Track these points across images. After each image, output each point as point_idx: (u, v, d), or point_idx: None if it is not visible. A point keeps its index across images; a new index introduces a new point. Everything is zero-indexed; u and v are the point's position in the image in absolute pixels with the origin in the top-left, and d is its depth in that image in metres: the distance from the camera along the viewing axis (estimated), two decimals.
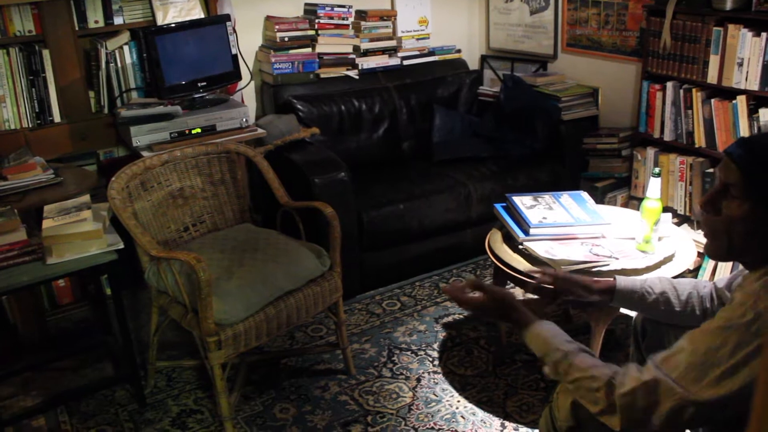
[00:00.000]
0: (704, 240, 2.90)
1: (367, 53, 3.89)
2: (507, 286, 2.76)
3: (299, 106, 3.56)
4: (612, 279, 1.88)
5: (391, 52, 3.96)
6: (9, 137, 3.02)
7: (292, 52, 3.65)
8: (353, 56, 3.85)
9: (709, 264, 3.11)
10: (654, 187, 2.38)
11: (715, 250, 1.46)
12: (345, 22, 3.80)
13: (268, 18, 3.73)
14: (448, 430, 2.42)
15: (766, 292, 1.27)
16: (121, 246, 2.39)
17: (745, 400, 1.22)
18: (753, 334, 1.25)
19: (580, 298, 1.90)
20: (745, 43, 2.90)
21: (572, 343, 1.51)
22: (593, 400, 1.40)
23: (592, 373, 1.41)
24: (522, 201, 2.64)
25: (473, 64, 4.41)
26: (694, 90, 3.13)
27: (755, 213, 1.33)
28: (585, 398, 1.43)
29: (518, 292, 2.68)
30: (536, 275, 1.98)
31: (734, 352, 1.25)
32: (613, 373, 1.39)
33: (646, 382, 1.33)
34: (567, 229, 2.51)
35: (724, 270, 3.08)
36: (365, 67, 3.87)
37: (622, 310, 2.71)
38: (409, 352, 2.86)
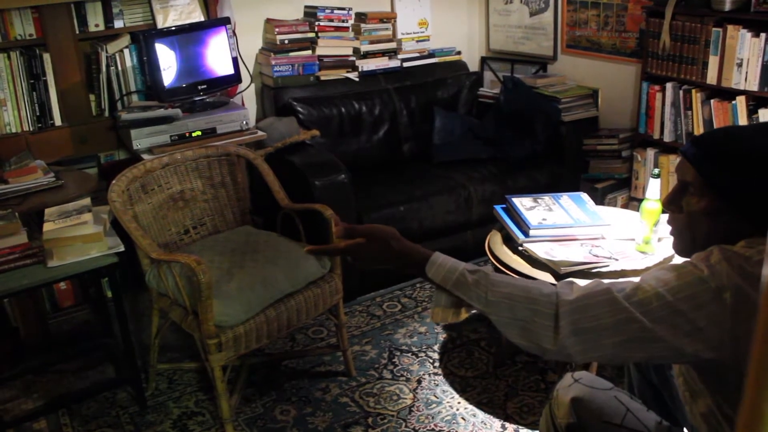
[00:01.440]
0: None
1: (367, 55, 3.89)
2: None
3: (299, 109, 3.57)
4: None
5: (391, 54, 3.97)
6: (10, 141, 3.03)
7: (292, 54, 3.66)
8: (353, 58, 3.85)
9: None
10: (653, 188, 2.38)
11: (680, 246, 1.48)
12: (345, 24, 3.81)
13: (268, 20, 3.74)
14: (449, 431, 2.42)
15: (719, 251, 1.27)
16: (122, 249, 2.40)
17: (704, 351, 1.23)
18: (701, 280, 1.24)
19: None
20: (745, 44, 2.90)
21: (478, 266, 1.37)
22: (531, 314, 1.27)
23: (526, 285, 1.31)
24: (522, 202, 2.64)
25: (473, 66, 4.42)
26: (693, 91, 3.14)
27: (714, 207, 1.36)
28: (518, 315, 1.29)
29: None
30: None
31: (679, 290, 1.24)
32: (555, 287, 1.31)
33: (597, 290, 1.28)
34: (567, 230, 2.51)
35: None
36: (365, 69, 3.88)
37: None
38: (409, 354, 2.87)
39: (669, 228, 1.49)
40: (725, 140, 1.40)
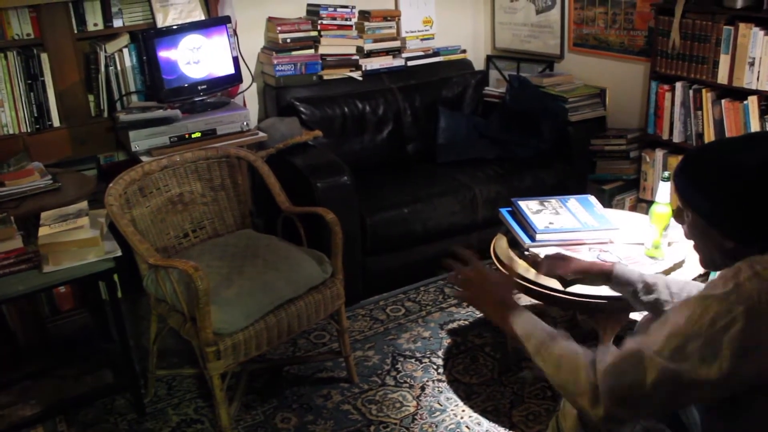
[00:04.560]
0: None
1: (370, 54, 3.84)
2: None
3: (302, 109, 3.52)
4: (610, 264, 1.87)
5: (395, 52, 3.91)
6: (7, 142, 2.99)
7: (294, 53, 3.60)
8: (356, 57, 3.79)
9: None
10: (663, 191, 2.33)
11: (700, 260, 1.48)
12: (348, 22, 3.75)
13: (269, 19, 3.68)
14: None
15: (749, 267, 1.23)
16: (119, 254, 2.36)
17: (738, 379, 1.21)
18: (731, 303, 1.20)
19: (576, 279, 1.93)
20: (757, 42, 2.84)
21: (557, 331, 1.48)
22: (574, 379, 1.32)
23: (575, 350, 1.37)
24: (528, 206, 2.59)
25: (478, 65, 4.35)
26: (703, 90, 3.07)
27: (697, 224, 1.38)
28: (564, 378, 1.35)
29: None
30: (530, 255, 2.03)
31: (713, 322, 1.20)
32: (595, 354, 1.34)
33: (628, 352, 1.28)
34: (574, 234, 2.46)
35: None
36: (369, 68, 3.82)
37: (632, 316, 2.67)
38: (413, 360, 2.81)
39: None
40: (701, 154, 1.41)
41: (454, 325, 3.05)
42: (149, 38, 2.99)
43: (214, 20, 3.26)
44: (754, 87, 2.89)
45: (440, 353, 2.85)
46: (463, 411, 2.51)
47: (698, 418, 1.76)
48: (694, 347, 1.20)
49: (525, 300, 3.14)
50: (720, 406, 1.34)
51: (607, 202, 3.40)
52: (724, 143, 1.47)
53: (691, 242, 1.46)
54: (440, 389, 2.63)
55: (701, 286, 1.77)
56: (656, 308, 1.76)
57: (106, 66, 3.15)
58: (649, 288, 1.77)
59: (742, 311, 1.18)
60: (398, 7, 4.02)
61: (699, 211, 1.36)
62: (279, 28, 3.55)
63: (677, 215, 1.46)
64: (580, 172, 3.60)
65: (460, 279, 1.67)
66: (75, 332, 3.11)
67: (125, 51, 3.18)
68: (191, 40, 3.12)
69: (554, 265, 2.00)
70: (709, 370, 1.19)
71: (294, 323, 2.41)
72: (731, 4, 2.90)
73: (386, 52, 3.88)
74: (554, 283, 2.29)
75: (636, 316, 2.79)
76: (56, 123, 3.10)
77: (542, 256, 2.10)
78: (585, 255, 2.38)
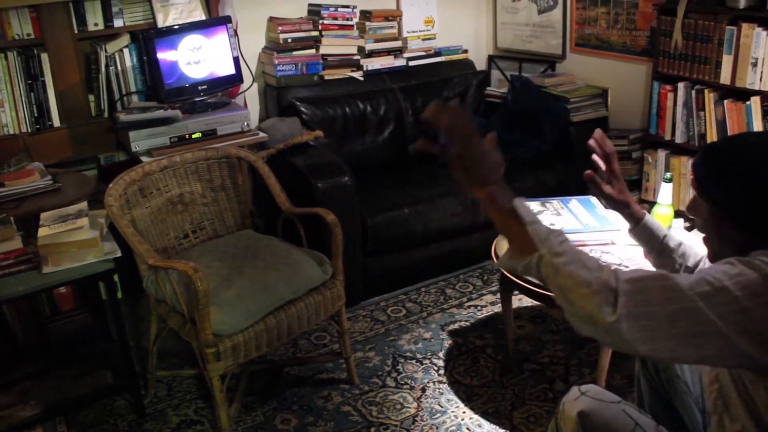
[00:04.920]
0: None
1: (372, 54, 3.83)
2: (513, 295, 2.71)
3: (303, 109, 3.51)
4: (643, 211, 1.84)
5: (396, 52, 3.90)
6: (7, 142, 2.98)
7: (295, 53, 3.59)
8: (358, 57, 3.78)
9: None
10: (665, 192, 2.31)
11: (708, 254, 1.47)
12: (349, 22, 3.74)
13: (270, 19, 3.67)
14: None
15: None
16: (119, 254, 2.35)
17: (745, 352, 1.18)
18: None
19: (610, 200, 1.81)
20: (760, 43, 2.82)
21: None
22: (588, 277, 1.20)
23: (592, 257, 1.28)
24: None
25: (480, 65, 4.34)
26: (706, 91, 3.06)
27: (713, 216, 1.36)
28: (574, 272, 1.22)
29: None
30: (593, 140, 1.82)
31: (747, 286, 1.18)
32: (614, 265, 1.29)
33: (659, 274, 1.23)
34: (576, 235, 2.44)
35: None
36: (370, 68, 3.81)
37: None
38: (414, 361, 2.80)
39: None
40: (722, 147, 1.39)
41: (455, 326, 3.04)
42: (150, 38, 2.99)
43: (214, 20, 3.26)
44: (756, 87, 2.87)
45: (441, 354, 2.84)
46: (464, 413, 2.49)
47: (699, 419, 1.75)
48: (722, 299, 1.18)
49: (526, 301, 3.14)
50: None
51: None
52: (748, 136, 1.46)
53: (702, 235, 1.44)
54: (441, 391, 2.62)
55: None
56: (682, 257, 1.74)
57: (107, 66, 3.14)
58: (674, 236, 1.76)
59: None
60: (400, 7, 4.01)
61: (716, 202, 1.35)
62: (280, 28, 3.54)
63: (692, 206, 1.44)
64: (581, 173, 3.55)
65: (446, 126, 1.38)
66: (75, 333, 3.11)
67: (126, 51, 3.17)
68: (192, 40, 3.11)
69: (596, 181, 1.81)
70: (730, 328, 1.17)
71: (294, 324, 2.40)
72: (734, 4, 2.88)
73: (387, 52, 3.87)
74: None
75: None
76: (56, 123, 3.10)
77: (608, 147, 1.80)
78: None
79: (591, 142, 1.82)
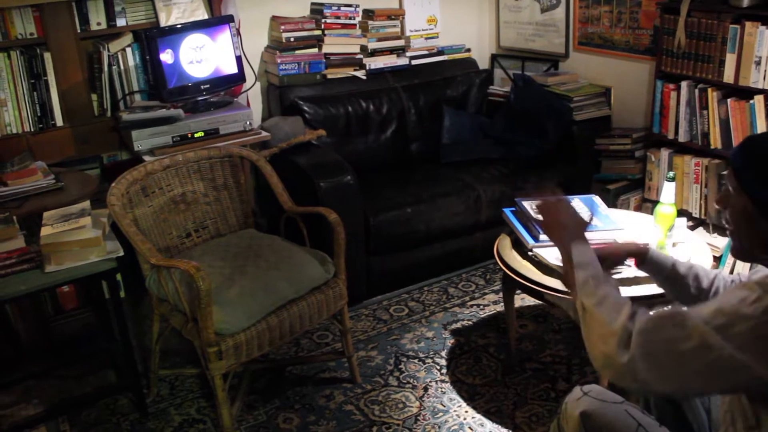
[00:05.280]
0: (719, 244, 2.83)
1: (374, 53, 3.82)
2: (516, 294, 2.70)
3: (305, 108, 3.50)
4: (645, 245, 1.85)
5: (399, 51, 3.90)
6: (10, 141, 2.99)
7: (298, 52, 3.59)
8: (360, 56, 3.78)
9: (725, 269, 3.03)
10: (668, 192, 2.31)
11: (733, 248, 1.45)
12: (352, 21, 3.74)
13: (273, 18, 3.67)
14: None
15: None
16: (121, 254, 2.36)
17: None
18: None
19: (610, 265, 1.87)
20: (763, 41, 2.81)
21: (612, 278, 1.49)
22: (611, 319, 1.29)
23: (623, 298, 1.35)
24: (532, 206, 2.57)
25: (483, 64, 4.34)
26: (709, 89, 3.04)
27: (749, 211, 1.33)
28: (602, 319, 1.32)
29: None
30: None
31: (765, 312, 1.15)
32: (638, 308, 1.31)
33: (674, 311, 1.23)
34: None
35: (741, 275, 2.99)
36: (373, 67, 3.81)
37: None
38: (416, 360, 2.80)
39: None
40: (766, 144, 1.35)
41: (458, 325, 3.04)
42: (152, 38, 2.99)
43: (217, 19, 3.26)
44: (760, 86, 2.86)
45: (443, 354, 2.84)
46: (466, 412, 2.49)
47: (705, 418, 1.74)
48: (742, 329, 1.15)
49: (529, 300, 3.13)
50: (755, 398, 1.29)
51: (611, 201, 3.38)
52: None
53: (730, 228, 1.42)
54: (443, 390, 2.62)
55: (728, 278, 1.74)
56: (695, 280, 1.74)
57: (109, 65, 3.14)
58: (683, 261, 1.77)
59: None
60: (402, 6, 4.00)
61: (756, 200, 1.31)
62: (283, 27, 3.54)
63: (723, 199, 1.41)
64: (584, 172, 3.58)
65: (542, 205, 1.70)
66: (78, 332, 3.11)
67: (128, 50, 3.18)
68: (194, 39, 3.11)
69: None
70: (749, 357, 1.14)
71: (296, 323, 2.40)
72: (737, 2, 2.87)
73: (390, 51, 3.87)
74: (558, 284, 2.28)
75: None
76: (59, 122, 3.10)
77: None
78: None
79: None
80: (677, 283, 1.77)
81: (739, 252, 1.42)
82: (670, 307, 1.30)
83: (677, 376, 1.20)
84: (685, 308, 1.25)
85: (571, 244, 1.54)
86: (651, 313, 1.27)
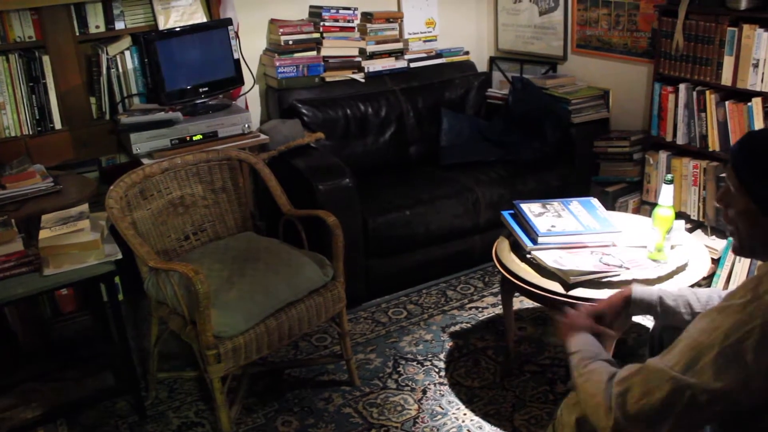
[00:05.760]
0: (718, 246, 2.83)
1: (373, 56, 3.83)
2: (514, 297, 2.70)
3: (304, 111, 3.51)
4: (628, 289, 1.78)
5: (397, 54, 3.90)
6: (9, 144, 2.99)
7: (296, 55, 3.60)
8: (359, 59, 3.79)
9: (724, 271, 3.03)
10: (666, 194, 2.31)
11: (734, 246, 1.46)
12: (350, 24, 3.74)
13: (272, 21, 3.68)
14: None
15: None
16: (120, 257, 2.36)
17: (751, 392, 1.18)
18: (748, 314, 1.19)
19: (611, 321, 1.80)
20: (761, 44, 2.81)
21: (605, 354, 1.51)
22: (596, 390, 1.33)
23: (609, 368, 1.38)
24: (530, 208, 2.57)
25: (481, 66, 4.34)
26: (707, 92, 3.05)
27: (749, 210, 1.33)
28: (588, 389, 1.37)
29: None
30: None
31: (728, 334, 1.19)
32: (617, 370, 1.35)
33: (640, 368, 1.28)
34: (576, 237, 2.44)
35: (739, 276, 2.99)
36: (371, 70, 3.81)
37: (635, 319, 2.65)
38: (414, 363, 2.80)
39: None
40: (766, 143, 1.35)
41: (456, 328, 3.04)
42: (151, 41, 2.98)
43: (215, 22, 3.26)
44: (758, 88, 2.86)
45: (442, 356, 2.84)
46: (465, 414, 2.49)
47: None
48: (708, 359, 1.19)
49: (527, 303, 3.13)
50: (725, 424, 1.32)
51: (610, 204, 3.38)
52: None
53: (730, 228, 1.42)
54: (442, 392, 2.62)
55: (723, 294, 1.74)
56: (687, 306, 1.73)
57: (108, 68, 3.14)
58: (670, 290, 1.75)
59: (759, 324, 1.16)
60: (401, 9, 4.01)
61: (755, 197, 1.31)
62: (281, 30, 3.55)
63: (723, 197, 1.41)
64: (583, 174, 3.58)
65: (562, 318, 1.73)
66: (76, 335, 3.11)
67: (127, 53, 3.18)
68: (193, 42, 3.11)
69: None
70: (722, 383, 1.17)
71: (295, 326, 2.40)
72: (735, 5, 2.88)
73: (389, 53, 3.88)
74: (556, 286, 2.28)
75: (639, 319, 2.78)
76: (58, 125, 3.10)
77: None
78: (587, 258, 2.36)
79: None
80: (669, 315, 1.75)
81: (740, 250, 1.43)
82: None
83: (663, 424, 1.23)
84: (653, 359, 1.29)
85: (572, 333, 1.61)
86: (622, 372, 1.31)
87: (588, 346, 1.53)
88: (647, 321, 2.84)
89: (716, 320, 1.22)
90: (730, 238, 1.48)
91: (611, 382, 1.31)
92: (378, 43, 3.83)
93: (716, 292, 1.74)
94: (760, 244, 1.36)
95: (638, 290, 1.77)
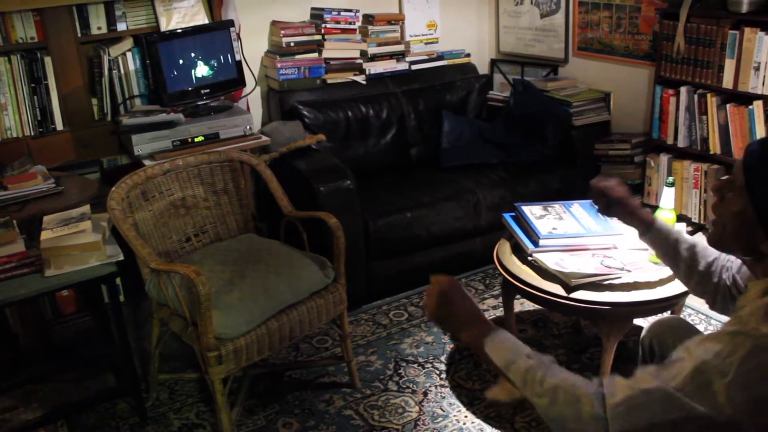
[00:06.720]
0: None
1: (374, 58, 3.83)
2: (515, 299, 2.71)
3: (305, 112, 3.51)
4: (651, 215, 1.87)
5: (399, 56, 3.91)
6: (11, 145, 3.00)
7: (298, 57, 3.60)
8: (360, 61, 3.79)
9: None
10: (667, 197, 2.31)
11: (710, 236, 1.45)
12: (352, 26, 3.74)
13: (273, 23, 3.68)
14: None
15: None
16: (121, 258, 2.36)
17: (758, 425, 1.13)
18: (765, 343, 1.14)
19: (619, 216, 1.95)
20: (762, 47, 2.82)
21: (528, 348, 1.39)
22: (574, 413, 1.21)
23: (574, 381, 1.25)
24: (531, 211, 2.58)
25: (483, 69, 4.35)
26: (708, 95, 3.05)
27: (746, 213, 1.30)
28: (561, 412, 1.23)
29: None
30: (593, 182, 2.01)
31: (744, 361, 1.12)
32: (599, 384, 1.23)
33: (646, 388, 1.18)
34: (578, 239, 2.44)
35: None
36: (373, 72, 3.81)
37: (636, 322, 2.65)
38: (415, 365, 2.80)
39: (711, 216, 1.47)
40: None
41: None
42: (153, 42, 2.99)
43: (217, 24, 3.26)
44: (759, 92, 2.87)
45: (443, 358, 2.84)
46: (466, 417, 2.49)
47: None
48: (722, 385, 1.12)
49: (528, 305, 3.13)
50: None
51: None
52: None
53: (715, 219, 1.40)
54: (443, 395, 2.62)
55: (728, 262, 1.73)
56: (692, 260, 1.76)
57: (110, 69, 3.15)
58: (687, 237, 1.79)
59: None
60: (402, 11, 4.01)
61: (756, 203, 1.28)
62: (283, 32, 3.55)
63: (721, 187, 1.38)
64: (584, 177, 3.55)
65: (431, 293, 1.49)
66: (77, 336, 3.10)
67: (129, 54, 3.18)
68: (195, 43, 3.12)
69: (604, 191, 1.96)
70: (737, 411, 1.12)
71: (296, 328, 2.40)
72: (736, 8, 2.88)
73: (390, 55, 3.88)
74: (557, 289, 2.28)
75: (640, 322, 2.78)
76: (59, 126, 3.11)
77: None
78: (588, 260, 2.36)
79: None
80: (675, 260, 1.80)
81: (717, 243, 1.42)
82: (639, 369, 1.23)
83: None
84: (653, 373, 1.20)
85: (483, 341, 1.38)
86: (618, 391, 1.20)
87: (518, 349, 1.37)
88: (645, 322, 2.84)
89: (730, 345, 1.15)
90: (712, 227, 1.44)
91: (600, 404, 1.19)
92: (379, 45, 3.84)
93: (722, 256, 1.73)
94: (741, 247, 1.35)
95: (660, 223, 1.84)
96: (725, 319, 2.21)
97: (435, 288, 1.47)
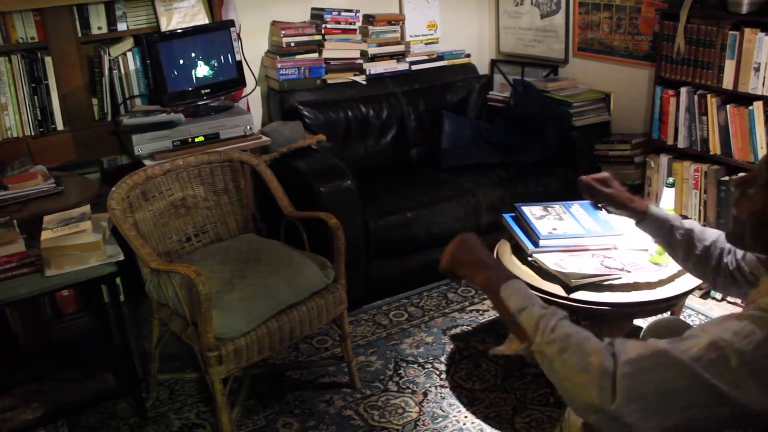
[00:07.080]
0: None
1: (374, 58, 3.83)
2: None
3: (305, 113, 3.51)
4: (645, 203, 1.86)
5: (399, 56, 3.91)
6: (11, 145, 2.99)
7: (298, 57, 3.60)
8: (361, 61, 3.79)
9: None
10: (668, 197, 2.31)
11: (730, 231, 1.41)
12: (352, 26, 3.74)
13: (274, 23, 3.68)
14: None
15: None
16: (121, 258, 2.36)
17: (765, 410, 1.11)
18: None
19: (610, 208, 1.94)
20: (762, 48, 2.82)
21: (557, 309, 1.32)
22: (583, 364, 1.15)
23: (587, 335, 1.20)
24: (531, 211, 2.58)
25: (483, 69, 4.35)
26: (708, 96, 3.05)
27: (765, 211, 1.28)
28: (570, 361, 1.18)
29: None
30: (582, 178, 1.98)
31: (762, 344, 1.10)
32: (610, 342, 1.18)
33: (659, 350, 1.14)
34: (578, 240, 2.44)
35: None
36: (373, 72, 3.81)
37: (636, 323, 2.65)
38: (415, 365, 2.80)
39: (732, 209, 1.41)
40: None
41: (457, 330, 3.04)
42: (153, 42, 2.99)
43: (218, 24, 3.26)
44: (759, 92, 2.87)
45: (443, 359, 2.84)
46: (466, 417, 2.49)
47: None
48: (735, 364, 1.10)
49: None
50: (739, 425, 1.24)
51: None
52: None
53: (734, 214, 1.37)
54: (443, 395, 2.62)
55: (719, 232, 1.73)
56: (689, 242, 1.75)
57: (110, 69, 3.15)
58: (683, 221, 1.79)
59: None
60: (402, 11, 4.01)
61: None
62: (283, 32, 3.55)
63: (742, 183, 1.34)
64: None
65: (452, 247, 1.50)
66: (77, 336, 3.10)
67: (129, 54, 3.18)
68: (195, 43, 3.12)
69: (593, 186, 1.93)
70: (746, 394, 1.10)
71: (296, 328, 2.40)
72: (737, 9, 2.88)
73: (390, 56, 3.88)
74: (557, 289, 2.28)
75: (640, 322, 2.78)
76: (60, 126, 3.11)
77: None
78: (588, 261, 2.36)
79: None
80: (671, 244, 1.81)
81: (736, 241, 1.40)
82: (651, 340, 1.19)
83: (667, 416, 1.13)
84: (665, 344, 1.17)
85: (500, 285, 1.35)
86: (629, 349, 1.16)
87: (533, 297, 1.31)
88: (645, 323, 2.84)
89: (751, 326, 1.13)
90: (731, 224, 1.40)
91: (610, 358, 1.14)
92: (379, 45, 3.84)
93: (720, 239, 1.71)
94: (759, 246, 1.33)
95: (655, 210, 1.84)
96: None
97: (455, 241, 1.49)
